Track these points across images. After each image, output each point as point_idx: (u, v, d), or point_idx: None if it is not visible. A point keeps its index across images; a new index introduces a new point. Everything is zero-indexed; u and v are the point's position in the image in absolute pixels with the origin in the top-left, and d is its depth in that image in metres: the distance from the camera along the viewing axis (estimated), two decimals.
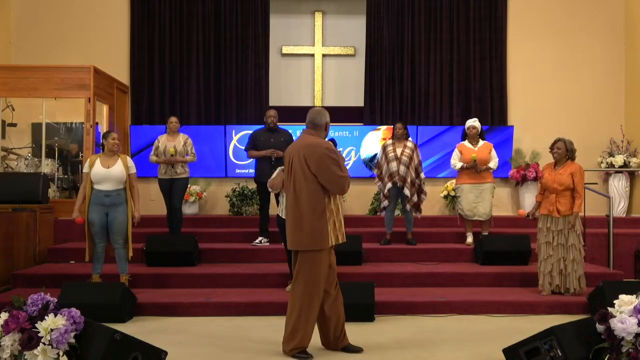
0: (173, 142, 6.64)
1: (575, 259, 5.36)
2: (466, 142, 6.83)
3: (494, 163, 6.75)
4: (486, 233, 6.79)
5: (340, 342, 4.05)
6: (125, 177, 5.42)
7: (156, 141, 6.73)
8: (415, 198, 6.75)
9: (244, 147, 7.27)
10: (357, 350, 4.05)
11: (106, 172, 5.35)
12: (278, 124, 6.87)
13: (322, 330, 4.06)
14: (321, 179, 3.78)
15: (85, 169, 5.47)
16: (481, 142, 6.80)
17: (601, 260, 6.82)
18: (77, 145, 8.36)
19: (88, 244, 5.49)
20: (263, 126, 6.97)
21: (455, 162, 6.82)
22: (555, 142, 5.51)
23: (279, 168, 5.13)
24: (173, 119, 6.77)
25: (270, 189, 5.36)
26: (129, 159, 5.56)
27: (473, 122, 6.85)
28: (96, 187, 5.36)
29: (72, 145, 8.40)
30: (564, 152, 5.43)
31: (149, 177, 8.36)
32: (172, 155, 6.54)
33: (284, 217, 5.13)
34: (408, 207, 6.78)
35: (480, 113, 8.68)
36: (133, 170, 5.54)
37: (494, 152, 6.81)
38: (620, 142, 8.68)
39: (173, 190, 6.64)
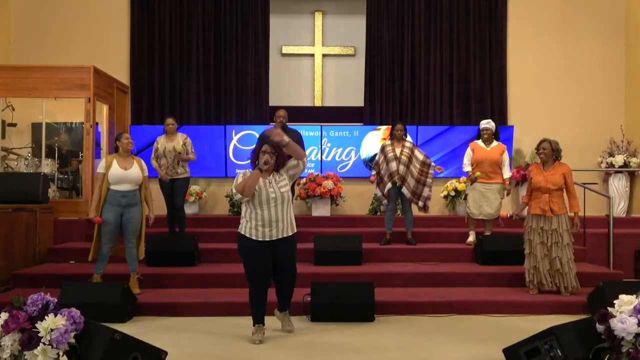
0: (172, 142, 6.64)
1: (571, 258, 5.40)
2: (479, 142, 6.80)
3: (507, 172, 6.67)
4: (488, 233, 6.79)
5: None
6: (142, 178, 5.52)
7: (155, 142, 6.74)
8: (417, 201, 6.75)
9: (252, 147, 7.21)
10: None
11: (124, 173, 5.41)
12: (286, 124, 6.83)
13: None
14: None
15: (101, 169, 5.47)
16: (494, 143, 6.75)
17: (601, 260, 6.81)
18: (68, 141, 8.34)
19: (95, 243, 5.48)
20: (271, 126, 6.93)
21: (466, 163, 6.79)
22: (540, 142, 5.55)
23: (243, 171, 4.36)
24: (169, 121, 6.73)
25: (239, 195, 4.21)
26: (142, 161, 5.65)
27: (487, 124, 6.76)
28: (113, 187, 5.39)
29: (63, 137, 8.33)
30: (549, 152, 5.47)
31: (149, 177, 8.33)
32: (179, 153, 6.53)
33: (261, 238, 4.22)
34: (407, 205, 6.79)
35: (480, 113, 8.69)
36: (146, 172, 5.64)
37: (506, 154, 6.71)
38: (620, 142, 8.69)
39: (175, 190, 6.65)
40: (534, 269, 5.50)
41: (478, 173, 6.58)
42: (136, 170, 5.48)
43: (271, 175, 4.34)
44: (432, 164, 6.78)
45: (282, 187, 4.30)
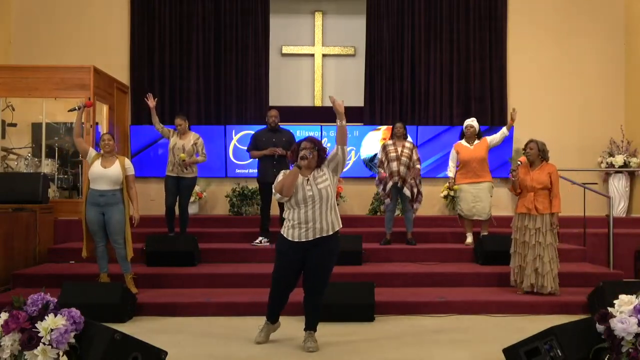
0: (183, 141, 6.63)
1: (552, 259, 5.39)
2: (463, 142, 6.86)
3: (499, 133, 6.72)
4: (486, 233, 6.79)
5: None
6: (122, 178, 5.42)
7: (169, 132, 6.70)
8: (412, 197, 6.76)
9: (245, 148, 7.25)
10: None
11: (103, 172, 5.37)
12: (278, 124, 6.86)
13: None
14: None
15: (88, 159, 5.49)
16: (477, 141, 6.81)
17: (601, 260, 6.82)
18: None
19: (85, 240, 5.51)
20: (265, 126, 6.95)
21: (451, 167, 6.85)
22: (527, 143, 5.59)
23: (283, 171, 4.14)
24: (177, 122, 6.69)
25: (277, 195, 4.03)
26: (127, 160, 5.57)
27: (471, 122, 6.87)
28: (92, 186, 5.38)
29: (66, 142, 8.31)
30: (536, 152, 5.51)
31: (149, 177, 8.39)
32: (183, 161, 6.51)
33: (297, 239, 3.99)
34: (408, 205, 6.80)
35: (480, 113, 8.68)
36: (131, 172, 5.54)
37: (489, 139, 6.76)
38: (620, 142, 8.69)
39: (180, 190, 6.64)
40: (519, 268, 5.51)
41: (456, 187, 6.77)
42: (116, 169, 5.39)
43: (311, 173, 4.06)
44: (418, 167, 6.78)
45: (321, 184, 4.00)
